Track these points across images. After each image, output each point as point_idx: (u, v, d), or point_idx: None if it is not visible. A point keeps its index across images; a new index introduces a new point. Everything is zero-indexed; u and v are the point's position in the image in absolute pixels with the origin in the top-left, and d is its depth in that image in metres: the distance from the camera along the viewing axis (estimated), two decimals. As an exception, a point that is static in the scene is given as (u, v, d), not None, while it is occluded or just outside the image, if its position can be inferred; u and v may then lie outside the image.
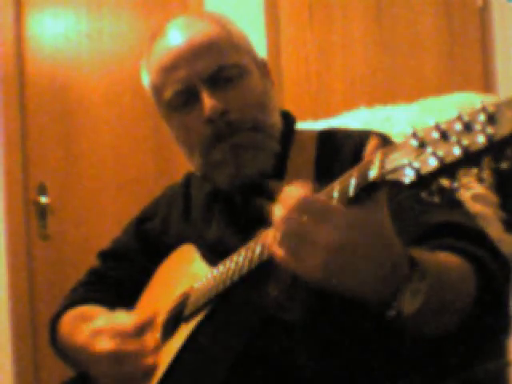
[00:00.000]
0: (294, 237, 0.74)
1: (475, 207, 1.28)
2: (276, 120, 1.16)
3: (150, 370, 1.07)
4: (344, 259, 0.73)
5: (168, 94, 1.13)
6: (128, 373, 1.08)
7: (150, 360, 1.08)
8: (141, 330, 1.10)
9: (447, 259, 0.85)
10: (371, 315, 0.83)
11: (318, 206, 0.74)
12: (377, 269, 0.75)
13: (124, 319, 1.12)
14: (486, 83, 2.82)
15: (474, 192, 1.30)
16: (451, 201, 1.00)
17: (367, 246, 0.74)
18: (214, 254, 1.08)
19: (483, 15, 2.87)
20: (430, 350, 0.88)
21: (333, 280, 0.75)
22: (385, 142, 0.77)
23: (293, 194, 0.75)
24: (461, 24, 2.89)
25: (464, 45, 2.88)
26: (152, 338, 1.12)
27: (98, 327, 1.12)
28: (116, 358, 1.07)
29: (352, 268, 0.74)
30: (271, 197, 0.82)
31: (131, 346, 1.08)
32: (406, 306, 0.76)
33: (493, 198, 1.31)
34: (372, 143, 0.75)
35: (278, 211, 0.76)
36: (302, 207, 0.74)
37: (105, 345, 1.08)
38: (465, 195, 1.28)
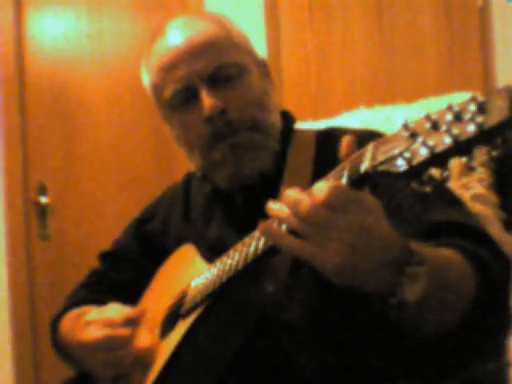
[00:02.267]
0: (318, 224, 0.74)
1: (475, 207, 1.27)
2: (275, 119, 1.16)
3: (148, 366, 1.08)
4: (363, 244, 0.75)
5: (167, 93, 1.13)
6: (123, 362, 1.09)
7: (146, 356, 1.08)
8: (130, 320, 1.11)
9: (447, 254, 0.85)
10: (372, 315, 0.83)
11: (342, 194, 0.74)
12: (384, 254, 0.76)
13: (114, 310, 1.13)
14: (486, 83, 2.82)
15: (474, 192, 1.30)
16: (452, 200, 1.01)
17: (379, 231, 0.75)
18: (214, 253, 1.09)
19: (483, 15, 2.87)
20: (430, 350, 0.88)
21: (348, 265, 0.75)
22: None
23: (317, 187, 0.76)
24: (461, 24, 2.89)
25: (464, 45, 2.88)
26: (151, 334, 1.12)
27: (88, 319, 1.13)
28: (106, 344, 1.09)
29: (367, 253, 0.75)
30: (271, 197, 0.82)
31: (120, 332, 1.09)
32: (407, 293, 0.77)
33: (493, 197, 1.31)
34: (346, 140, 0.76)
35: (303, 201, 0.76)
36: (329, 196, 0.74)
37: (94, 333, 1.10)
38: (465, 195, 1.28)
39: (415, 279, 0.77)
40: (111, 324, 1.10)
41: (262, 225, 0.81)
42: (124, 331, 1.09)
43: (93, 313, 1.16)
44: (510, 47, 2.80)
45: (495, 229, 1.27)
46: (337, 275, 0.77)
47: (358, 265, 0.76)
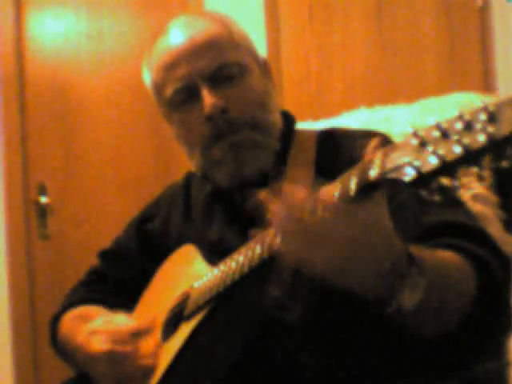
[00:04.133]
0: (307, 233, 0.74)
1: (475, 207, 1.27)
2: (276, 119, 1.16)
3: (150, 370, 1.07)
4: (352, 254, 0.74)
5: (168, 91, 1.13)
6: (125, 374, 1.08)
7: (148, 360, 1.08)
8: (138, 333, 1.10)
9: (446, 256, 0.85)
10: (372, 315, 0.83)
11: (332, 203, 0.74)
12: (379, 264, 0.76)
13: (122, 321, 1.12)
14: (486, 83, 2.82)
15: (474, 192, 1.30)
16: (452, 200, 1.01)
17: (372, 242, 0.75)
18: (215, 254, 1.08)
19: (483, 15, 2.87)
20: (430, 349, 0.88)
21: (339, 275, 0.76)
22: (386, 142, 0.77)
23: (302, 192, 0.75)
24: (461, 24, 2.89)
25: (464, 45, 2.88)
26: (152, 337, 1.12)
27: (95, 327, 1.12)
28: (111, 359, 1.08)
29: (358, 263, 0.75)
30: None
31: (127, 347, 1.08)
32: (405, 301, 0.77)
33: (493, 198, 1.31)
34: (373, 143, 0.75)
35: (288, 209, 0.76)
36: (317, 204, 0.74)
37: (100, 345, 1.09)
38: (465, 195, 1.28)
39: (414, 288, 0.77)
40: (117, 338, 1.09)
41: (253, 234, 0.82)
42: (129, 347, 1.08)
43: (98, 320, 1.14)
44: (510, 47, 2.80)
45: (495, 229, 1.27)
46: (329, 281, 0.77)
47: (352, 274, 0.76)
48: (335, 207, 0.74)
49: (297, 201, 0.75)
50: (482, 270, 0.86)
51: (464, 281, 0.84)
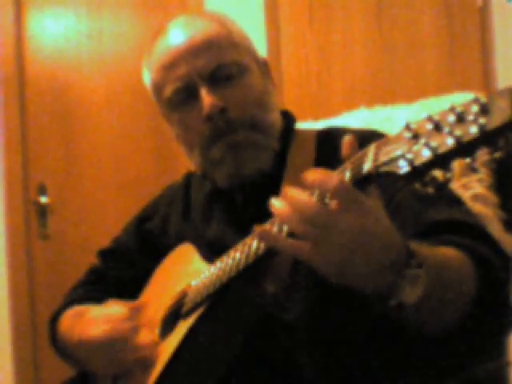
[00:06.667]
0: (318, 224, 0.74)
1: (475, 207, 1.27)
2: (275, 119, 1.16)
3: (149, 365, 1.08)
4: (362, 245, 0.74)
5: (168, 91, 1.13)
6: (125, 364, 1.09)
7: (147, 354, 1.08)
8: (131, 316, 1.11)
9: (447, 253, 0.85)
10: (372, 315, 0.83)
11: (346, 192, 0.73)
12: (381, 256, 0.75)
13: (116, 307, 1.14)
14: (486, 83, 2.82)
15: (474, 192, 1.30)
16: (452, 198, 1.01)
17: (377, 231, 0.75)
18: (214, 253, 1.08)
19: (483, 15, 2.87)
20: (430, 349, 0.88)
21: (347, 267, 0.75)
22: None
23: (318, 176, 0.74)
24: (461, 24, 2.89)
25: (464, 45, 2.88)
26: (151, 335, 1.12)
27: (92, 316, 1.14)
28: (110, 341, 1.09)
29: (366, 255, 0.75)
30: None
31: (124, 327, 1.10)
32: (406, 295, 0.76)
33: (493, 198, 1.31)
34: (346, 140, 0.76)
35: (304, 200, 0.75)
36: (333, 192, 0.73)
37: (98, 330, 1.11)
38: (465, 195, 1.28)
39: (415, 281, 0.77)
40: (115, 319, 1.11)
41: (258, 230, 0.81)
42: (125, 326, 1.10)
43: (95, 310, 1.16)
44: (510, 47, 2.80)
45: (495, 229, 1.27)
46: (335, 276, 0.77)
47: (357, 266, 0.75)
48: (347, 191, 0.73)
49: (322, 187, 0.74)
50: (483, 267, 0.86)
51: (464, 279, 0.84)
